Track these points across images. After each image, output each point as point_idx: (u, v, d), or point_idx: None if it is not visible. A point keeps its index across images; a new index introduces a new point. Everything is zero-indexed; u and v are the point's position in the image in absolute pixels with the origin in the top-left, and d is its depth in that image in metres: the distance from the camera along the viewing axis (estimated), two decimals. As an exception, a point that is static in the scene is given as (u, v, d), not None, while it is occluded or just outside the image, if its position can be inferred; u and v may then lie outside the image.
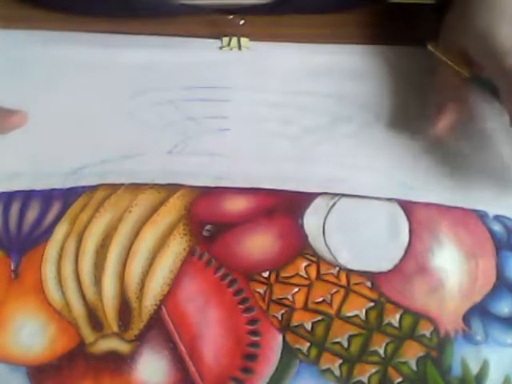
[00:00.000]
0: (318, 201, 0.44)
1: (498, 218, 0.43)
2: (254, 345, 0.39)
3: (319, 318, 0.40)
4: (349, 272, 0.41)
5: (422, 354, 0.39)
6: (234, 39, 0.51)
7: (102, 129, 0.46)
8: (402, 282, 0.41)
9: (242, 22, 0.51)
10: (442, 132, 0.44)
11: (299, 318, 0.40)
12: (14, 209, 0.44)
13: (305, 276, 0.41)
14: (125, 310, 0.40)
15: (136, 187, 0.45)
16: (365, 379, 0.38)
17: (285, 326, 0.40)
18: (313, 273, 0.41)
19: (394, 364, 0.39)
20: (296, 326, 0.40)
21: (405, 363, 0.39)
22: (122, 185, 0.45)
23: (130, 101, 0.48)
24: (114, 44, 0.50)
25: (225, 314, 0.40)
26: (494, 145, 0.45)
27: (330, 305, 0.40)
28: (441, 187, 0.44)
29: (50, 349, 0.39)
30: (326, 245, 0.42)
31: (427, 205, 0.43)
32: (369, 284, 0.41)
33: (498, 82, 0.42)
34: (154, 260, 0.42)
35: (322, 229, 0.43)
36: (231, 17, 0.52)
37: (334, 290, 0.41)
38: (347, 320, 0.40)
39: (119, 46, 0.50)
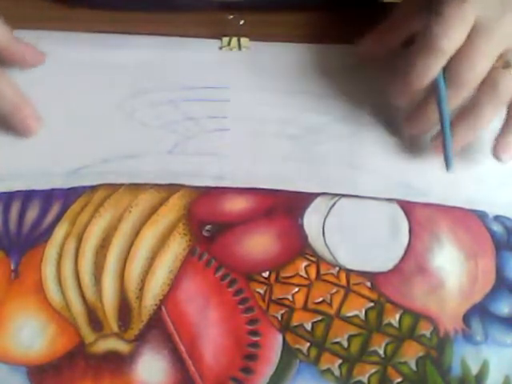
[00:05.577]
0: (318, 201, 0.44)
1: (498, 218, 0.43)
2: (254, 345, 0.39)
3: (319, 318, 0.40)
4: (348, 272, 0.41)
5: (421, 353, 0.39)
6: (234, 39, 0.51)
7: (102, 129, 0.46)
8: (401, 282, 0.41)
9: (241, 21, 0.51)
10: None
11: (299, 318, 0.40)
12: (14, 209, 0.44)
13: (305, 276, 0.41)
14: (125, 309, 0.40)
15: (136, 187, 0.45)
16: (364, 379, 0.38)
17: (285, 326, 0.40)
18: (313, 273, 0.41)
19: (394, 364, 0.39)
20: (296, 326, 0.40)
21: (404, 363, 0.39)
22: (122, 185, 0.45)
23: (130, 101, 0.48)
24: (114, 44, 0.50)
25: (225, 314, 0.40)
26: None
27: (330, 305, 0.40)
28: (441, 187, 0.44)
29: (49, 349, 0.39)
30: (326, 245, 0.42)
31: (427, 205, 0.43)
32: (368, 284, 0.41)
33: None
34: (153, 260, 0.42)
35: (321, 229, 0.43)
36: (231, 17, 0.51)
37: (334, 290, 0.41)
38: (347, 320, 0.40)
39: (119, 45, 0.50)
